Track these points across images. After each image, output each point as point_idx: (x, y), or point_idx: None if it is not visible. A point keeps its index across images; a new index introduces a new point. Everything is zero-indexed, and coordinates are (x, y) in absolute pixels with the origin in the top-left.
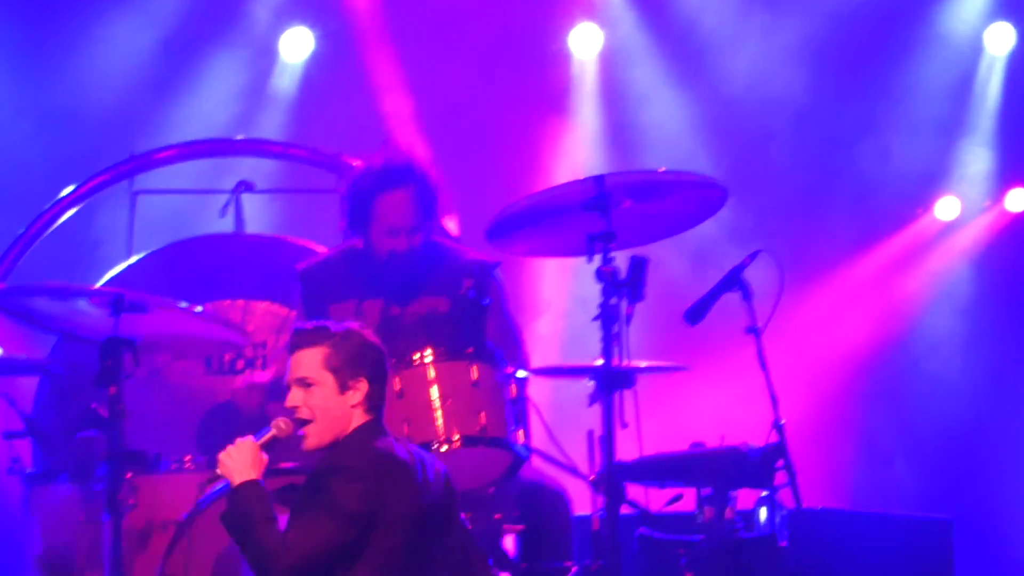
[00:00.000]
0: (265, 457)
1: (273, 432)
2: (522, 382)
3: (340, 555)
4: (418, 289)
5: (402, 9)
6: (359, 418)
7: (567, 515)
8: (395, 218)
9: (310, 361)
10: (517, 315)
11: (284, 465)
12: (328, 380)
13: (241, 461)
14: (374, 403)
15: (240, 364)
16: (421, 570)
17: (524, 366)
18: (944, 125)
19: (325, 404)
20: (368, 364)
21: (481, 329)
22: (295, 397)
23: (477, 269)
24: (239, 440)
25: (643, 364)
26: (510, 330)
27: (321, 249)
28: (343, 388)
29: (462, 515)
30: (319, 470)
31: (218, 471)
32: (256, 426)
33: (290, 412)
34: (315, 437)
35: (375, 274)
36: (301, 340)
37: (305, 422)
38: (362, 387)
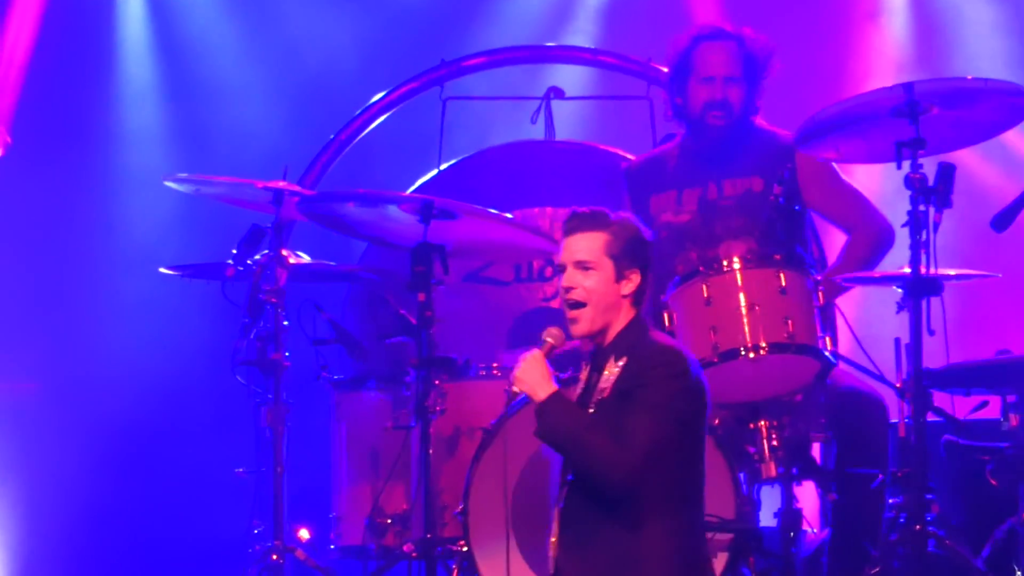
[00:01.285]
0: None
1: (550, 342)
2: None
3: (670, 453)
4: (734, 168)
5: None
6: (627, 311)
7: (883, 423)
8: (712, 65)
9: (590, 245)
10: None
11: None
12: (607, 266)
13: (537, 375)
14: (639, 297)
15: (548, 271)
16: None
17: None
18: None
19: (601, 290)
20: (642, 256)
21: (791, 235)
22: (572, 278)
23: (788, 174)
24: (526, 355)
25: (952, 272)
26: (860, 200)
27: (630, 156)
28: (619, 277)
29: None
30: (628, 374)
31: (515, 389)
32: None
33: (564, 292)
34: (586, 323)
35: (695, 143)
36: (581, 223)
37: (579, 304)
38: (635, 279)
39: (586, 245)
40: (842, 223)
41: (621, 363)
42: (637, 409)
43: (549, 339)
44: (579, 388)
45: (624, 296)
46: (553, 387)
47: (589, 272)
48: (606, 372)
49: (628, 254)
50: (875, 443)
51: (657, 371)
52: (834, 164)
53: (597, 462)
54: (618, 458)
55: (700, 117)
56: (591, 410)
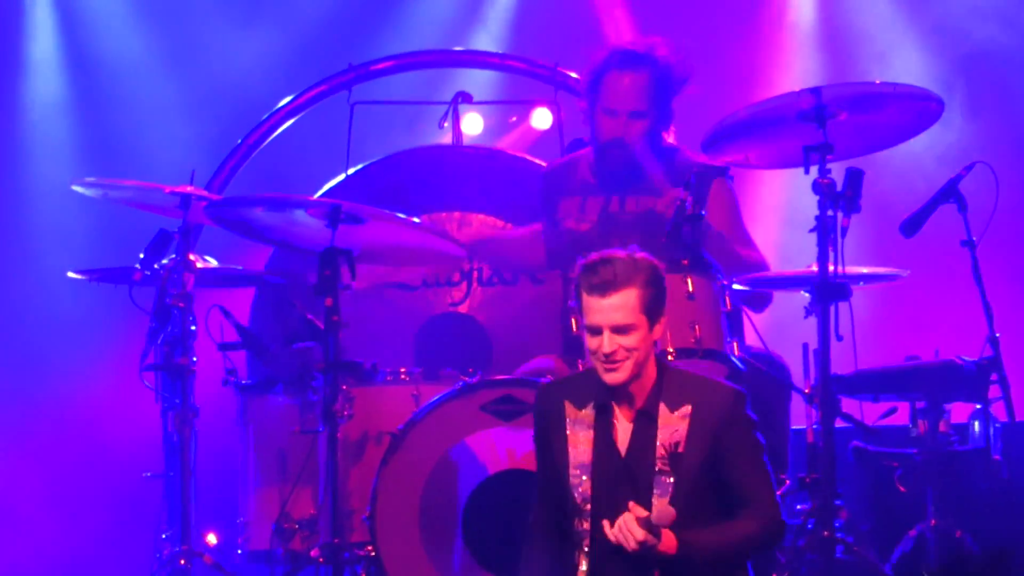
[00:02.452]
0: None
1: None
2: (736, 294)
3: None
4: (636, 186)
5: None
6: (651, 353)
7: (785, 424)
8: (616, 98)
9: (626, 305)
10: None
11: (498, 377)
12: (643, 323)
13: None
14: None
15: (456, 276)
16: None
17: (765, 268)
18: None
19: (640, 345)
20: (664, 297)
21: (698, 240)
22: (613, 342)
23: (695, 179)
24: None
25: (865, 271)
26: (746, 236)
27: (538, 162)
28: (651, 327)
29: None
30: (699, 425)
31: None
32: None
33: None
34: (625, 372)
35: (598, 166)
36: (612, 283)
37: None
38: (663, 323)
39: (622, 305)
40: None
41: (685, 412)
42: (749, 466)
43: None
44: (592, 436)
45: (655, 340)
46: (672, 540)
47: (629, 334)
48: (661, 423)
49: (658, 303)
50: (774, 445)
51: (739, 421)
52: (735, 197)
53: (756, 545)
54: (768, 526)
55: (601, 147)
56: (664, 470)
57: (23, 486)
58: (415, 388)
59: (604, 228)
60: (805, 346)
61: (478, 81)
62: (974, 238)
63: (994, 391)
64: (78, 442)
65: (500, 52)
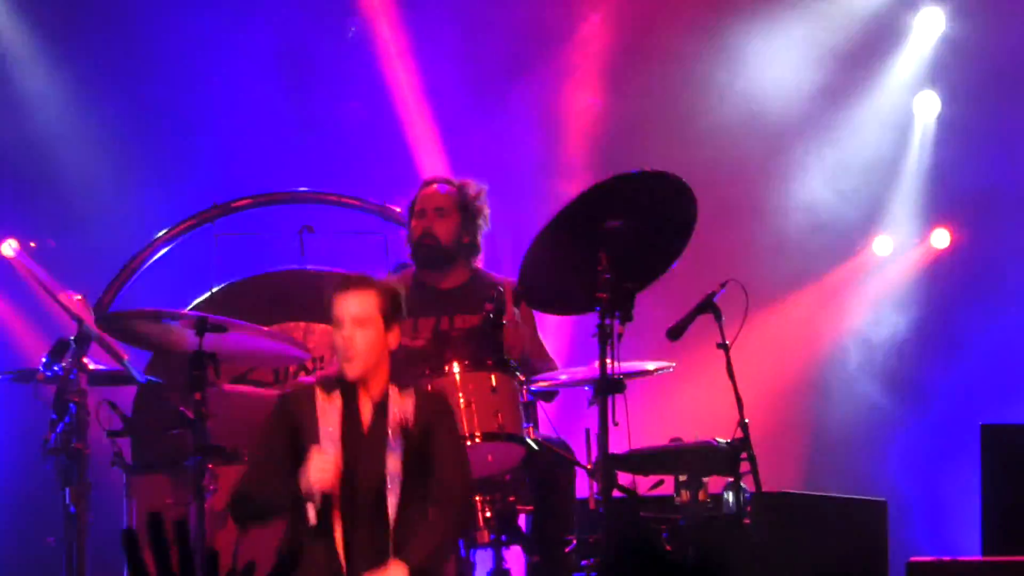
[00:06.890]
0: None
1: None
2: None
3: None
4: (465, 306)
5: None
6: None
7: (571, 492)
8: (424, 201)
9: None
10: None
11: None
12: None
13: None
14: None
15: (302, 375)
16: None
17: (555, 370)
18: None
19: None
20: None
21: (500, 344)
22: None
23: (496, 294)
24: None
25: (652, 367)
26: (541, 347)
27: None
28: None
29: None
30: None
31: None
32: None
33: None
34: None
35: (428, 297)
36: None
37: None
38: (397, 331)
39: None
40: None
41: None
42: (449, 440)
43: None
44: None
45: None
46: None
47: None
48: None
49: (394, 311)
50: (566, 513)
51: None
52: (533, 314)
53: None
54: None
55: (416, 243)
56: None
57: None
58: None
59: (438, 342)
60: (587, 430)
61: (324, 214)
62: (728, 341)
63: (744, 467)
64: None
65: (338, 192)
